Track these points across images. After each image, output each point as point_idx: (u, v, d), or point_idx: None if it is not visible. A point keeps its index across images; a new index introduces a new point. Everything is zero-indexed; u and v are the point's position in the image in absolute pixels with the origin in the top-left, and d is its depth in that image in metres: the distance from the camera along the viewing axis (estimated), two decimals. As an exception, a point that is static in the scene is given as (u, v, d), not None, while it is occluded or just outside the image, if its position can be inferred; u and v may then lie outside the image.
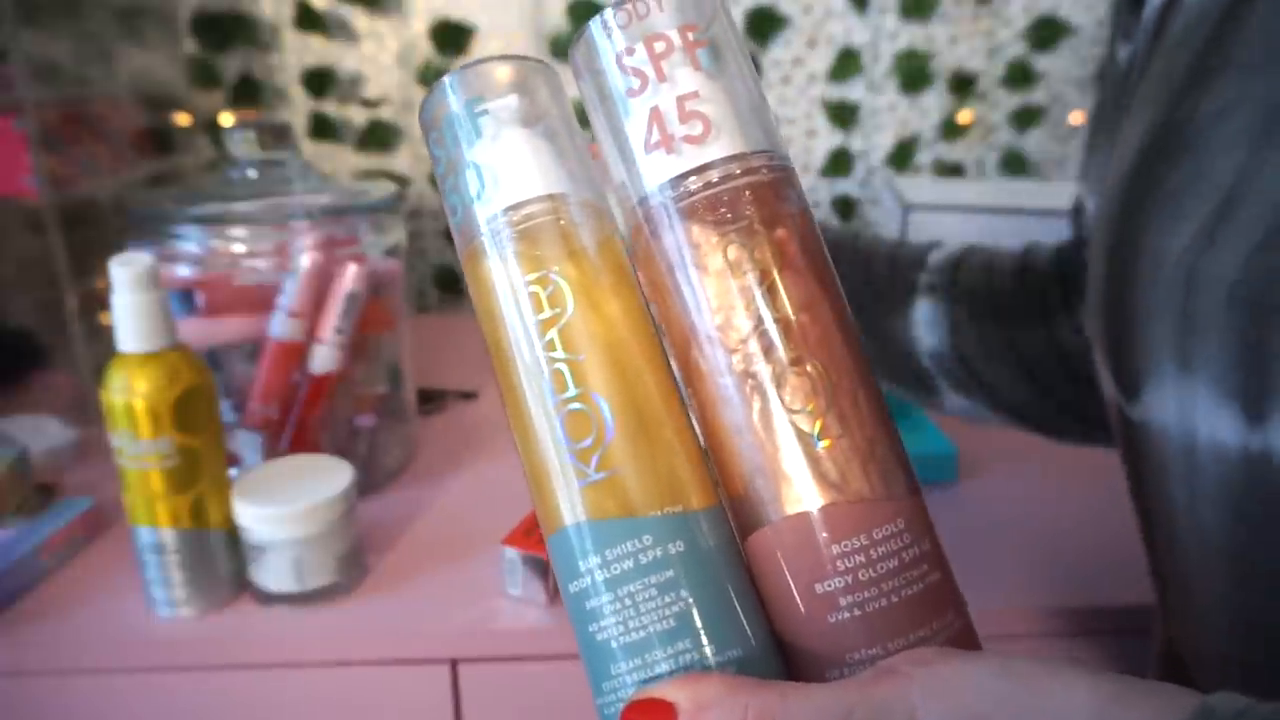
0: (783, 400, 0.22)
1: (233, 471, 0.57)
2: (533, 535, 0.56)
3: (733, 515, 0.23)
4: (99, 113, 0.81)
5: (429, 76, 1.03)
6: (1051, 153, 1.11)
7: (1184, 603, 0.35)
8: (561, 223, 0.24)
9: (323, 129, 1.04)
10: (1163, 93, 0.33)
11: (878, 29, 1.04)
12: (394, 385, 0.72)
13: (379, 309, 0.67)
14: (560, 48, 1.03)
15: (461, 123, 0.25)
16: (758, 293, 0.23)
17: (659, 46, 0.23)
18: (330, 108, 1.04)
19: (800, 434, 0.22)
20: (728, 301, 0.23)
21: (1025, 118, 1.09)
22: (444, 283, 1.13)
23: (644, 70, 0.24)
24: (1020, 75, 1.07)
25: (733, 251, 0.23)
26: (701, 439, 0.24)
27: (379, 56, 1.03)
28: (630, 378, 0.23)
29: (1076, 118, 1.09)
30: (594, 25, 0.24)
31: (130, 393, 0.49)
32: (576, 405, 0.23)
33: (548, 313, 0.23)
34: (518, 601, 0.57)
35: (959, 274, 0.50)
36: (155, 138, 0.93)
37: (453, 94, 0.25)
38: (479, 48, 1.02)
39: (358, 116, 1.05)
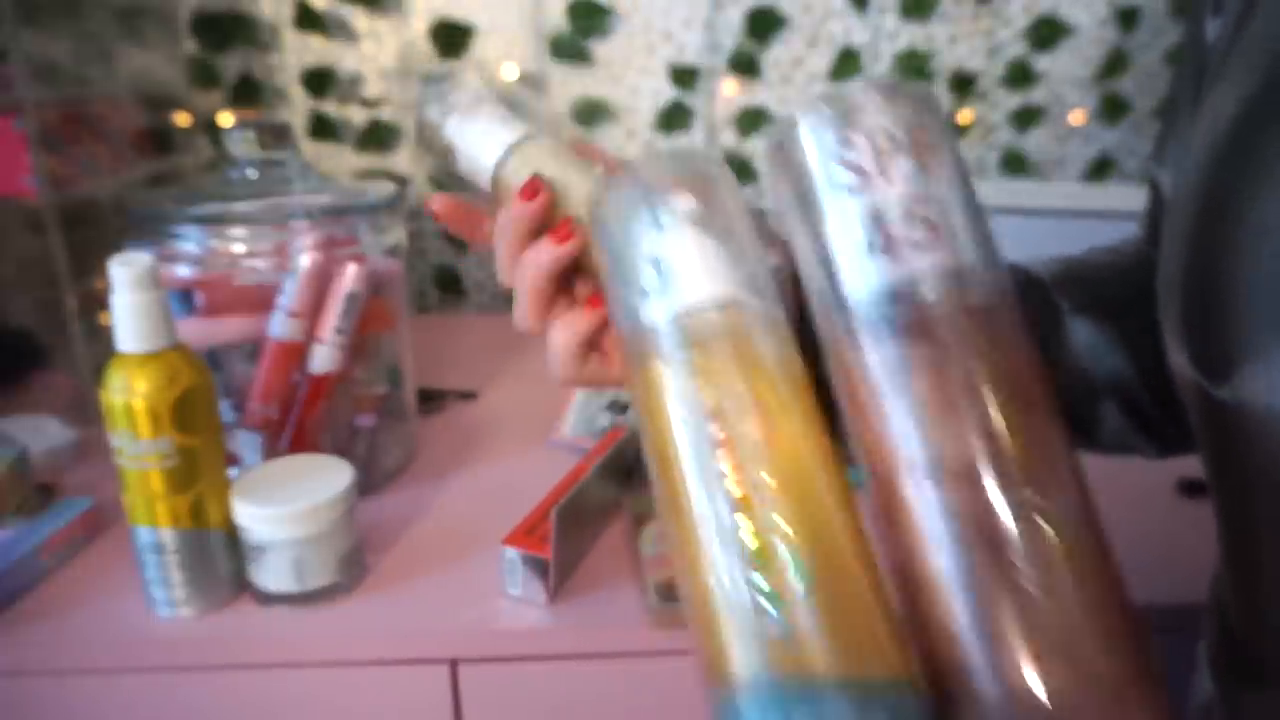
0: (1013, 550, 0.19)
1: (233, 471, 0.57)
2: (533, 535, 0.56)
3: (934, 680, 0.20)
4: (99, 113, 0.81)
5: (427, 78, 1.03)
6: (1051, 153, 1.11)
7: None
8: (742, 332, 0.22)
9: (323, 129, 1.04)
10: (1264, 58, 0.31)
11: (878, 29, 1.04)
12: (394, 385, 0.72)
13: (379, 309, 0.67)
14: (560, 48, 1.03)
15: (641, 214, 0.23)
16: (989, 424, 0.19)
17: (883, 143, 0.21)
18: (330, 108, 1.04)
19: (1029, 591, 0.19)
20: (952, 432, 0.20)
21: (1025, 118, 1.09)
22: (444, 283, 1.13)
23: (865, 167, 0.21)
24: (1020, 75, 1.07)
25: (959, 375, 0.20)
26: (897, 587, 0.21)
27: (379, 56, 1.03)
28: (818, 511, 0.20)
29: (1076, 118, 1.09)
30: (804, 116, 0.22)
31: (130, 393, 0.49)
32: (757, 541, 0.20)
33: (726, 432, 0.21)
34: (518, 601, 0.57)
35: (1096, 289, 0.45)
36: (155, 138, 0.93)
37: (633, 185, 0.24)
38: (479, 47, 1.02)
39: (357, 116, 1.05)
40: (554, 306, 0.35)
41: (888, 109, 0.21)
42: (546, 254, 0.34)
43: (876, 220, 0.21)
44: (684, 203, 0.23)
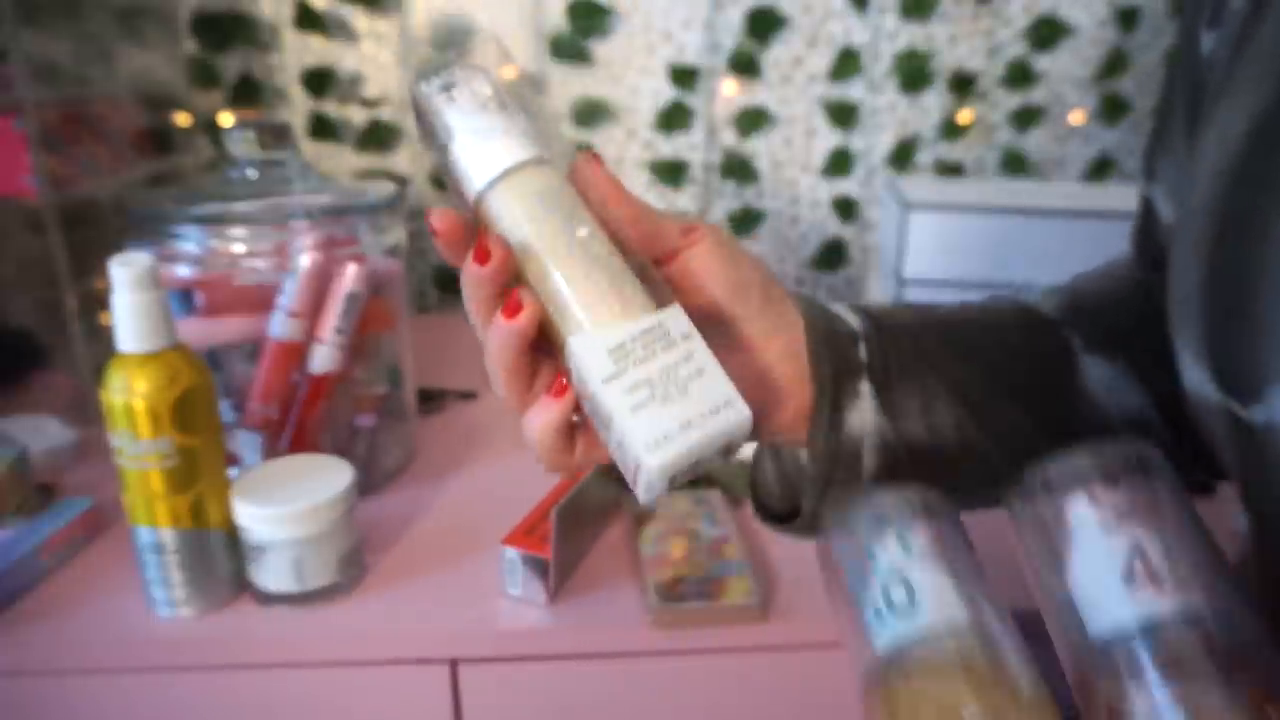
0: None
1: (233, 471, 0.57)
2: (533, 535, 0.56)
3: None
4: (99, 113, 0.81)
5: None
6: (1051, 153, 1.11)
7: None
8: (990, 657, 0.22)
9: (323, 129, 1.04)
10: (1277, 63, 0.31)
11: (878, 29, 1.04)
12: (394, 385, 0.72)
13: (379, 309, 0.67)
14: (560, 48, 1.03)
15: (887, 537, 0.25)
16: None
17: (1141, 489, 0.23)
18: (330, 108, 1.04)
19: None
20: None
21: (1025, 118, 1.09)
22: (444, 283, 1.13)
23: (1120, 507, 0.23)
24: (1020, 75, 1.07)
25: (1238, 714, 0.19)
26: None
27: (379, 56, 1.03)
28: None
29: (1076, 118, 1.09)
30: (1054, 463, 0.24)
31: (130, 393, 0.49)
32: None
33: None
34: (518, 601, 0.57)
35: (1103, 319, 0.44)
36: (155, 138, 0.93)
37: (876, 508, 0.26)
38: (479, 48, 1.02)
39: (357, 116, 1.05)
40: (535, 380, 0.31)
41: (1129, 463, 0.23)
42: (500, 335, 0.30)
43: (1135, 556, 0.22)
44: (925, 531, 0.25)
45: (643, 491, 0.28)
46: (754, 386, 0.34)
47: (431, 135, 0.32)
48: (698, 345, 0.29)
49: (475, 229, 0.31)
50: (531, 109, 0.33)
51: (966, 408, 0.39)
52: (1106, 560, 0.22)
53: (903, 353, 0.39)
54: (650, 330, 0.28)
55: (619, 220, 0.32)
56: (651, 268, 0.32)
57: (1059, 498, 0.24)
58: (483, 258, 0.29)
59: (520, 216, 0.30)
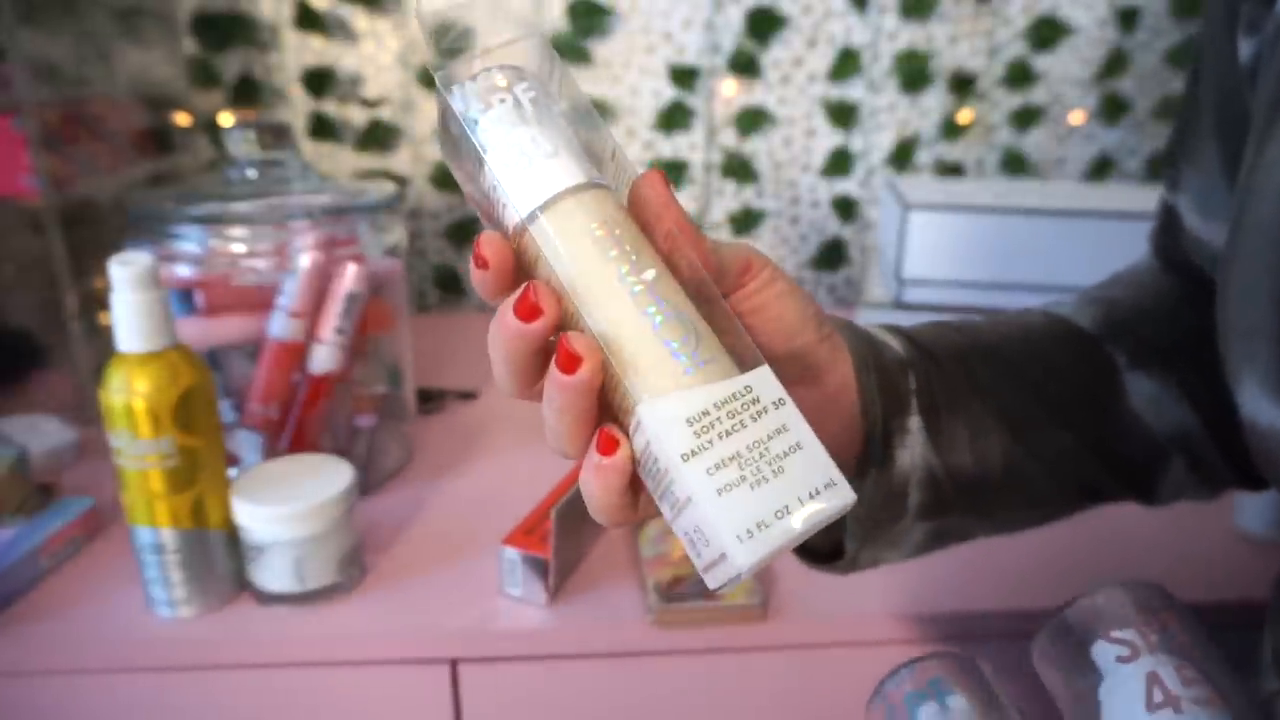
0: None
1: (233, 471, 0.57)
2: (533, 535, 0.56)
3: None
4: (99, 113, 0.81)
5: (429, 77, 1.03)
6: (1051, 153, 1.11)
7: None
8: None
9: (323, 129, 1.04)
10: None
11: (878, 29, 1.04)
12: (394, 385, 0.72)
13: (379, 309, 0.67)
14: (560, 48, 1.02)
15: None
16: None
17: (1144, 627, 0.25)
18: (330, 108, 1.04)
19: None
20: None
21: (1025, 118, 1.09)
22: (444, 283, 1.13)
23: (1134, 643, 0.25)
24: (1020, 75, 1.07)
25: None
26: None
27: (379, 56, 1.03)
28: None
29: (1076, 118, 1.09)
30: (1070, 613, 0.26)
31: (130, 393, 0.49)
32: None
33: None
34: (518, 601, 0.57)
35: (1141, 330, 0.43)
36: (155, 138, 0.93)
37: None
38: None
39: (357, 116, 1.05)
40: (599, 424, 0.26)
41: (1135, 600, 0.26)
42: (560, 391, 0.25)
43: (1155, 683, 0.24)
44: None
45: (715, 580, 0.24)
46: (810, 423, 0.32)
47: (458, 151, 0.27)
48: (792, 414, 0.24)
49: (525, 264, 0.26)
50: (585, 115, 0.28)
51: (1013, 434, 0.38)
52: (1130, 687, 0.24)
53: (949, 380, 0.37)
54: (737, 396, 0.24)
55: (686, 258, 0.27)
56: (734, 317, 0.26)
57: (1081, 640, 0.26)
58: (528, 313, 0.24)
59: (574, 253, 0.25)
